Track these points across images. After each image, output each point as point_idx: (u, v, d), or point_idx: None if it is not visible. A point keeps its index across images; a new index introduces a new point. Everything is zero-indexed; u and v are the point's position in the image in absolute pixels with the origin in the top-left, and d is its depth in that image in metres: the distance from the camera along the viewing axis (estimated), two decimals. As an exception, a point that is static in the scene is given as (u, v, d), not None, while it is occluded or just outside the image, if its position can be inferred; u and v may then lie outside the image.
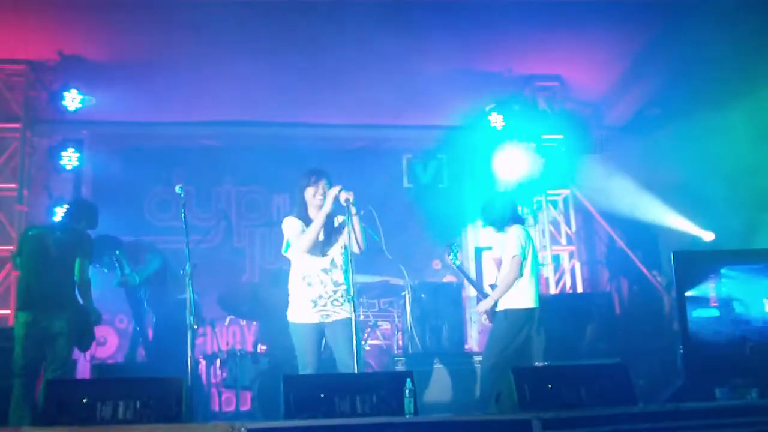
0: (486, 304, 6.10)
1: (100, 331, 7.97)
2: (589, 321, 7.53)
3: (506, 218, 6.17)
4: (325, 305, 5.28)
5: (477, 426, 4.20)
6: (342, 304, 5.23)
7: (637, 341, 8.19)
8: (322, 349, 5.45)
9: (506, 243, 6.13)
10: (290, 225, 5.38)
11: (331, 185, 5.35)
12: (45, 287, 5.71)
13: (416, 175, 9.50)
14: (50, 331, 5.65)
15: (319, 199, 5.34)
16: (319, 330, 5.31)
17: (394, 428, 4.03)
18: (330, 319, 5.26)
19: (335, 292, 5.27)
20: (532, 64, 8.24)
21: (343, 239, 5.34)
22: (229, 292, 7.90)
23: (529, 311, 6.01)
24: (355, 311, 5.13)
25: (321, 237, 5.31)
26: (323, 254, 5.34)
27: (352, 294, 5.17)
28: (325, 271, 5.32)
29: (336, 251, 5.37)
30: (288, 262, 5.48)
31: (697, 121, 7.84)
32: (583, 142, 8.76)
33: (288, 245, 5.38)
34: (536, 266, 6.20)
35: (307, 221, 5.35)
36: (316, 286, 5.30)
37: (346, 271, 5.30)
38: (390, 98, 8.38)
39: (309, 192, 5.39)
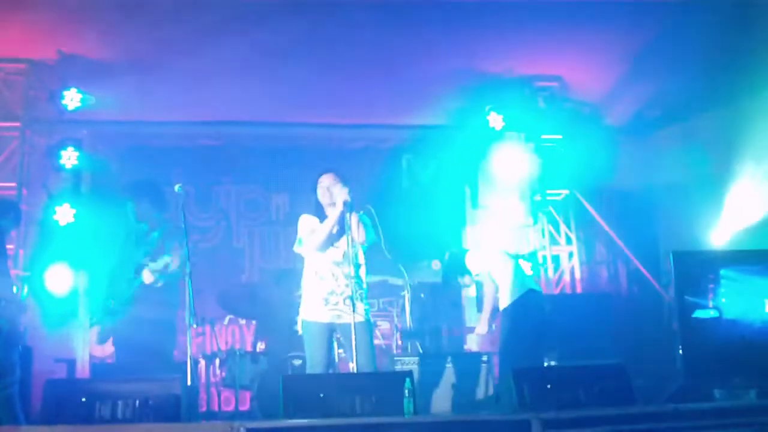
0: (481, 328, 6.65)
1: (98, 330, 7.98)
2: (588, 321, 7.53)
3: (464, 270, 6.84)
4: (337, 304, 5.29)
5: (476, 426, 4.20)
6: (354, 304, 5.22)
7: (636, 342, 8.19)
8: (336, 350, 5.47)
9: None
10: (303, 222, 5.49)
11: (340, 179, 5.43)
12: None
13: (416, 175, 9.50)
14: None
15: (322, 196, 5.43)
16: (331, 330, 5.32)
17: (394, 428, 4.03)
18: (341, 320, 5.27)
19: (347, 287, 5.28)
20: (532, 65, 8.24)
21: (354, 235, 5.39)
22: (229, 291, 7.91)
23: (521, 298, 6.41)
24: (366, 313, 5.20)
25: (333, 230, 5.35)
26: (335, 246, 5.37)
27: (364, 287, 5.24)
28: (336, 263, 5.34)
29: (347, 244, 5.38)
30: (290, 261, 5.53)
31: (697, 121, 7.85)
32: (582, 143, 8.77)
33: (300, 242, 5.45)
34: (508, 263, 6.62)
35: (322, 219, 5.42)
36: (327, 280, 5.33)
37: (357, 265, 5.33)
38: (390, 98, 8.38)
39: (317, 191, 5.49)
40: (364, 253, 5.45)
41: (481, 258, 6.83)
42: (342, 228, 5.33)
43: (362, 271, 5.35)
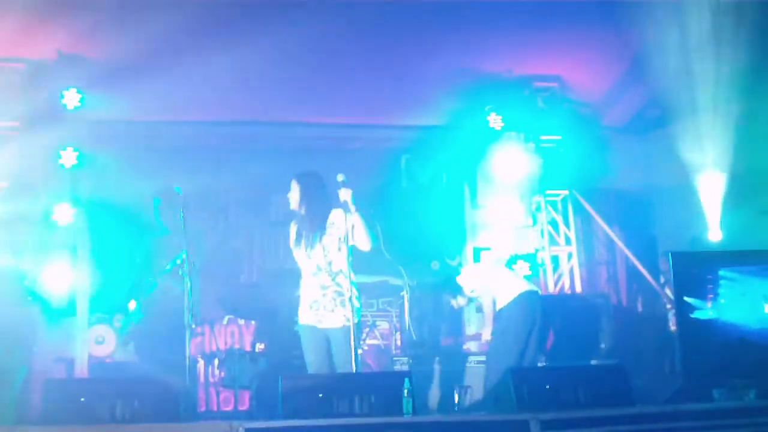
0: (487, 334, 6.65)
1: (98, 330, 7.98)
2: (588, 322, 7.54)
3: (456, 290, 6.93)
4: (318, 309, 5.30)
5: (475, 426, 4.21)
6: (333, 310, 5.22)
7: (636, 342, 8.19)
8: (331, 351, 5.44)
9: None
10: (290, 231, 5.53)
11: (305, 185, 5.44)
12: None
13: (415, 175, 9.50)
14: None
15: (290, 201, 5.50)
16: (318, 332, 5.31)
17: (393, 428, 4.03)
18: (323, 325, 5.27)
19: (324, 296, 5.29)
20: (531, 65, 8.25)
21: (329, 240, 5.34)
22: (228, 291, 7.90)
23: (516, 299, 6.42)
24: (354, 316, 5.15)
25: (304, 244, 5.37)
26: (309, 258, 5.38)
27: (347, 296, 5.19)
28: (313, 274, 5.36)
29: (319, 255, 5.36)
30: (289, 261, 5.58)
31: (695, 121, 7.85)
32: (582, 143, 8.77)
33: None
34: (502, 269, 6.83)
35: (301, 225, 5.41)
36: (311, 289, 5.36)
37: (334, 274, 5.30)
38: (389, 98, 8.39)
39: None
40: (349, 258, 5.32)
41: (474, 274, 6.88)
42: (313, 239, 5.36)
43: (341, 279, 5.29)
